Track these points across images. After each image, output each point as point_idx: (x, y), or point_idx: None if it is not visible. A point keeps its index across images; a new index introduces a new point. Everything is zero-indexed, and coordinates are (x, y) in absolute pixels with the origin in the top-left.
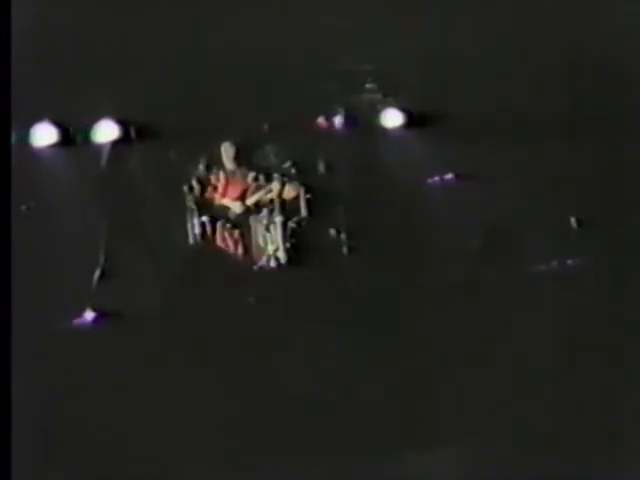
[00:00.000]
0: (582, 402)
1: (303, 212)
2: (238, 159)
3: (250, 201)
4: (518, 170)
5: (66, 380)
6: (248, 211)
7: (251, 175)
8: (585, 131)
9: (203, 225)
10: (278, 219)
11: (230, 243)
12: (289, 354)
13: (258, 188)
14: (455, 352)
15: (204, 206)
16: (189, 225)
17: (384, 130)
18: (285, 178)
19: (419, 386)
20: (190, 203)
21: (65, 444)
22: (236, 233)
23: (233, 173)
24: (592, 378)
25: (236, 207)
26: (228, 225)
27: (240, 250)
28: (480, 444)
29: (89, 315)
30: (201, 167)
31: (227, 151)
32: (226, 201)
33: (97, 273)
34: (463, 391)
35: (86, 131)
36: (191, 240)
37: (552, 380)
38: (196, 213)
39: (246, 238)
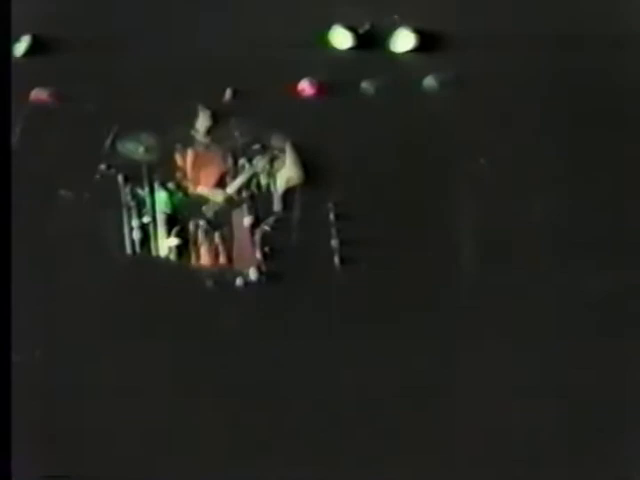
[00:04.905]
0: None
1: (276, 207)
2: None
3: (232, 189)
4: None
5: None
6: (230, 204)
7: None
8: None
9: (143, 228)
10: (247, 220)
11: (207, 252)
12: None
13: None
14: (457, 362)
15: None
16: (126, 229)
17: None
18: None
19: (418, 396)
20: (127, 197)
21: (64, 443)
22: (216, 237)
23: (207, 148)
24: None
25: (216, 197)
26: (202, 225)
27: (221, 259)
28: (481, 454)
29: None
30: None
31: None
32: (201, 190)
33: None
34: (462, 398)
35: None
36: (128, 249)
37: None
38: (135, 211)
39: (227, 243)
